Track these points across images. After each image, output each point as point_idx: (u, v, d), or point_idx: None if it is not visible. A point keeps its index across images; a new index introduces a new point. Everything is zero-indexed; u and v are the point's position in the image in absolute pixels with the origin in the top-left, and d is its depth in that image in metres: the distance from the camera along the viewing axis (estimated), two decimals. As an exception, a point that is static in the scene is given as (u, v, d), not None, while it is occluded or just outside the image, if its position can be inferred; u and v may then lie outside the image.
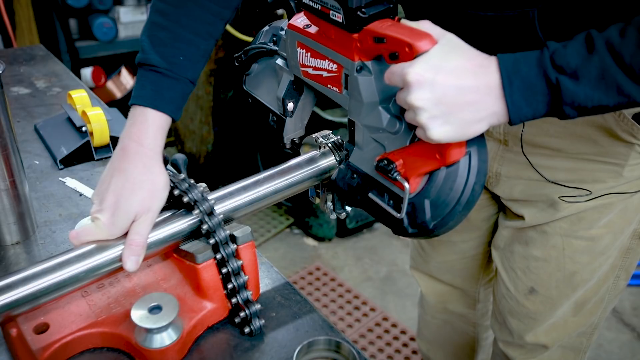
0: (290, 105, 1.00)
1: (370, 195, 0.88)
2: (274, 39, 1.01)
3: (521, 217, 1.15)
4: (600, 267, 1.14)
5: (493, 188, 1.17)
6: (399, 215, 0.82)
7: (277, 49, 0.99)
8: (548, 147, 1.03)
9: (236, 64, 1.08)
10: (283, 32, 0.97)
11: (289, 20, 0.93)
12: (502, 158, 1.11)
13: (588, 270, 1.14)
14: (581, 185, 1.04)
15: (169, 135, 0.92)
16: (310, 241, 2.96)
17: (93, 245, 0.82)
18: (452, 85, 0.71)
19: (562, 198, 1.07)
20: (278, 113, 1.02)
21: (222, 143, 3.11)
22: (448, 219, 0.80)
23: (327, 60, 0.87)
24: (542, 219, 1.11)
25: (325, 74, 0.88)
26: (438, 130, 0.73)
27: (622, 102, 0.70)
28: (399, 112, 0.82)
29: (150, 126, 0.88)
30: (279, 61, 0.99)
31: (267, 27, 1.03)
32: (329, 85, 0.89)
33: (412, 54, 0.72)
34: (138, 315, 0.80)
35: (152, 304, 0.81)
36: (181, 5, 0.92)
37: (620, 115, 0.95)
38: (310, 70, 0.91)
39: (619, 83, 0.68)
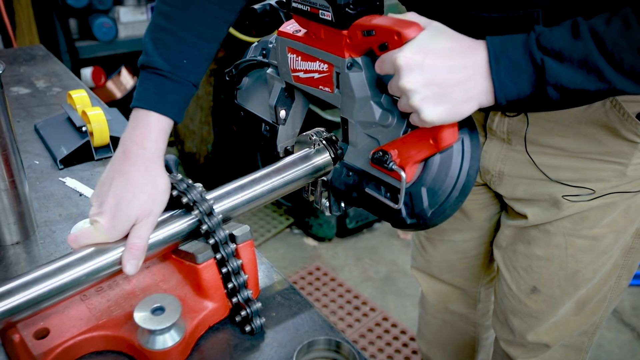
0: (282, 113, 1.03)
1: (367, 189, 0.89)
2: (263, 52, 1.04)
3: (524, 216, 1.15)
4: (603, 266, 1.14)
5: (496, 187, 1.17)
6: (396, 205, 0.83)
7: (267, 60, 1.02)
8: (552, 146, 1.03)
9: (227, 78, 1.12)
10: (271, 45, 1.01)
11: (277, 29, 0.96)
12: (506, 157, 1.11)
13: (590, 270, 1.14)
14: (584, 184, 1.04)
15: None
16: (310, 241, 2.96)
17: (92, 249, 0.82)
18: (440, 65, 0.73)
19: (565, 197, 1.06)
20: (270, 122, 1.05)
21: (222, 143, 3.10)
22: (445, 206, 0.82)
23: (317, 62, 0.89)
24: (545, 218, 1.11)
25: (316, 75, 0.91)
26: (431, 111, 0.74)
27: (602, 89, 0.71)
28: (391, 105, 0.84)
29: (152, 129, 0.88)
30: (270, 70, 1.02)
31: (255, 43, 1.07)
32: (320, 87, 0.91)
33: (401, 42, 0.74)
34: (141, 316, 0.79)
35: (155, 305, 0.81)
36: (185, 8, 0.91)
37: (624, 115, 0.95)
38: (301, 74, 0.93)
39: (600, 68, 0.70)
